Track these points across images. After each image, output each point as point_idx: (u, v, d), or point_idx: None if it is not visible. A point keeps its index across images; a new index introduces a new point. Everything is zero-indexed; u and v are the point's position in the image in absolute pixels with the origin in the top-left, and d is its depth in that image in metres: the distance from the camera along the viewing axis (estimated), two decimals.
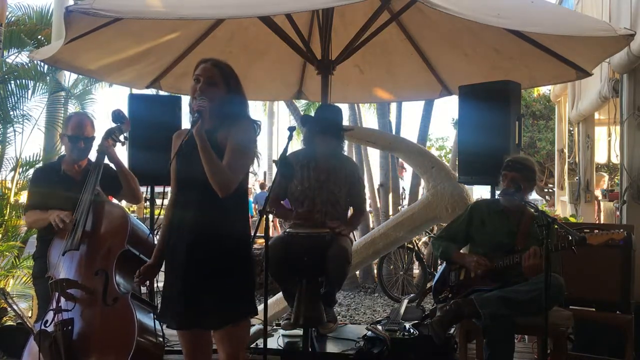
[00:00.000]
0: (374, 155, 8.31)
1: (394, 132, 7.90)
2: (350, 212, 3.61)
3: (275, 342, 3.69)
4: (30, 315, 4.32)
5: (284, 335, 3.76)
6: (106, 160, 3.02)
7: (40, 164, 5.02)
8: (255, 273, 2.40)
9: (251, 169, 2.34)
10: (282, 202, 3.62)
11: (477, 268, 2.98)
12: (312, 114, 3.82)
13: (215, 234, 2.20)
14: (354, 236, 4.05)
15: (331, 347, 3.67)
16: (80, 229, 2.77)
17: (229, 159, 2.18)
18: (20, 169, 5.07)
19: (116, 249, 2.77)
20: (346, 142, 3.81)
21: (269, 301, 3.41)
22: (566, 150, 8.25)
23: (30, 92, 5.09)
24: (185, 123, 3.75)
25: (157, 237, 2.47)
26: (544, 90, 11.65)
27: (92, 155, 3.12)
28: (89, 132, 3.09)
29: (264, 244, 2.55)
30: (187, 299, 2.20)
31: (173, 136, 2.41)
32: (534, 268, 2.76)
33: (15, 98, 5.00)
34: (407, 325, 3.64)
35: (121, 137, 3.09)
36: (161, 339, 2.74)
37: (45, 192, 3.02)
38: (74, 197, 2.87)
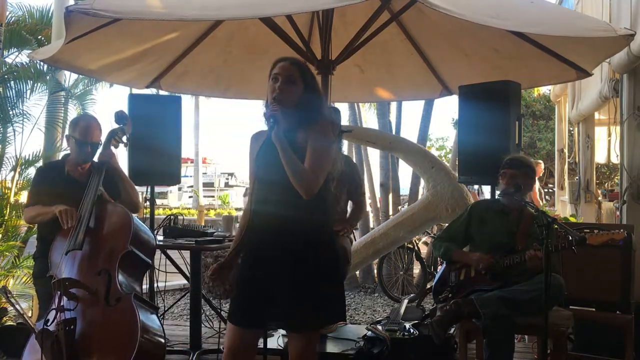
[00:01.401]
0: (374, 155, 8.30)
1: (394, 132, 7.89)
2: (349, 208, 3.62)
3: (275, 342, 3.68)
4: (30, 315, 4.32)
5: (284, 335, 3.75)
6: None
7: (40, 163, 5.02)
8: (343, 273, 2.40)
9: None
10: None
11: (481, 262, 2.97)
12: None
13: (299, 234, 2.19)
14: (354, 236, 4.06)
15: (331, 347, 3.67)
16: (83, 228, 2.77)
17: (310, 160, 2.17)
18: (20, 169, 5.07)
19: (119, 249, 2.77)
20: (345, 143, 3.81)
21: None
22: (566, 150, 8.26)
23: (29, 91, 5.09)
24: (187, 122, 3.75)
25: (158, 237, 2.45)
26: (544, 90, 11.67)
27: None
28: (97, 137, 3.08)
29: None
30: (270, 300, 2.19)
31: (251, 137, 2.40)
32: (540, 264, 2.75)
33: (15, 98, 5.00)
34: (407, 325, 3.64)
35: (124, 138, 3.10)
36: (163, 339, 2.74)
37: (47, 192, 3.01)
38: (78, 198, 2.87)
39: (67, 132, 3.13)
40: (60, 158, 3.23)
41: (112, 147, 3.06)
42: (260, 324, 2.31)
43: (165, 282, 4.26)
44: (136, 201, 3.17)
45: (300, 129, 2.22)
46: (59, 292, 2.61)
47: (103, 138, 3.10)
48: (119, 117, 3.08)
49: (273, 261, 2.20)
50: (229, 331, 2.31)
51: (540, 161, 9.61)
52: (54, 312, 2.59)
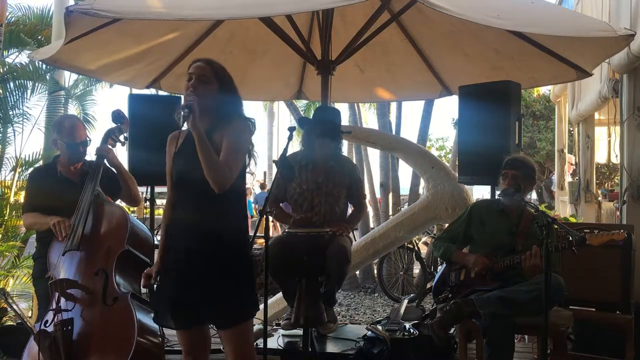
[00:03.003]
0: (374, 155, 8.32)
1: (394, 132, 7.90)
2: (349, 210, 3.62)
3: (275, 342, 3.69)
4: (30, 315, 4.32)
5: (284, 335, 3.76)
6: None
7: (40, 163, 5.03)
8: (255, 272, 2.41)
9: (248, 169, 2.37)
10: (281, 204, 3.61)
11: (476, 266, 2.98)
12: (311, 114, 3.82)
13: (214, 234, 2.21)
14: (354, 236, 4.05)
15: (331, 347, 3.67)
16: (80, 229, 2.76)
17: (224, 155, 2.20)
18: (20, 169, 5.07)
19: (116, 248, 2.77)
20: (345, 143, 3.81)
21: (269, 301, 3.41)
22: (566, 150, 8.26)
23: (29, 91, 5.10)
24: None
25: (158, 237, 2.46)
26: (544, 90, 11.68)
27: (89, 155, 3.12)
28: (84, 135, 3.09)
29: (264, 244, 2.56)
30: (189, 300, 2.20)
31: (169, 137, 2.42)
32: (535, 269, 2.76)
33: (15, 98, 5.01)
34: (407, 325, 3.65)
35: (121, 137, 3.09)
36: (161, 339, 2.74)
37: (43, 194, 3.01)
38: (73, 199, 2.86)
39: (53, 136, 3.11)
40: (51, 160, 3.22)
41: (109, 146, 3.06)
42: (187, 324, 2.29)
43: None
44: (136, 193, 3.18)
45: (217, 130, 2.24)
46: (56, 293, 2.61)
47: (92, 134, 3.11)
48: (116, 116, 3.08)
49: (187, 260, 2.21)
50: (177, 335, 2.34)
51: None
52: (51, 313, 2.59)
